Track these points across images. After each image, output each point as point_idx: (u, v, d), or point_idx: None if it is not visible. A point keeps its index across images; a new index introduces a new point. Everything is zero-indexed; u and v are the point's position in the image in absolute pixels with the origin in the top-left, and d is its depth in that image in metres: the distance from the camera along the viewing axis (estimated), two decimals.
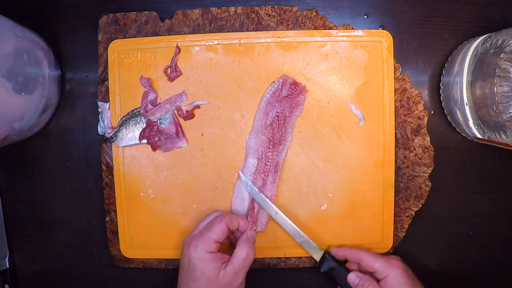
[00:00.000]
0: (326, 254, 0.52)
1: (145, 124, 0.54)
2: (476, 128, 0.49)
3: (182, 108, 0.54)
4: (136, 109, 0.54)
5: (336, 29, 0.54)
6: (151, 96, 0.54)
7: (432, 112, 0.56)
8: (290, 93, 0.53)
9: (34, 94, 0.50)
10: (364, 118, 0.54)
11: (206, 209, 0.55)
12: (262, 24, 0.54)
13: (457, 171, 0.56)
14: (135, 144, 0.54)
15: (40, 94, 0.51)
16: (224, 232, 0.48)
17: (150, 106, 0.54)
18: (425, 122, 0.54)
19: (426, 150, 0.54)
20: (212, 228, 0.47)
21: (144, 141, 0.54)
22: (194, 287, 0.46)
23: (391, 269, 0.47)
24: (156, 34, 0.54)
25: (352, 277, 0.49)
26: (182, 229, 0.55)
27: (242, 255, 0.47)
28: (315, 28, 0.54)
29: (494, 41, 0.44)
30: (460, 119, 0.51)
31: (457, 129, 0.54)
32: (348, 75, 0.54)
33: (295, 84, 0.53)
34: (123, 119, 0.54)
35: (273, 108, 0.53)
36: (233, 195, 0.54)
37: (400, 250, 0.55)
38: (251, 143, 0.54)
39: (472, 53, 0.48)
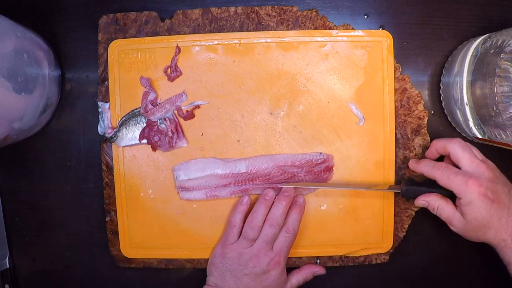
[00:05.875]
0: (405, 185, 0.50)
1: (145, 124, 0.54)
2: (476, 128, 0.49)
3: (182, 108, 0.54)
4: (136, 109, 0.54)
5: (336, 29, 0.54)
6: (151, 96, 0.54)
7: (432, 112, 0.56)
8: (320, 171, 0.53)
9: (34, 94, 0.50)
10: (364, 118, 0.54)
11: (206, 209, 0.55)
12: (262, 24, 0.54)
13: None
14: (135, 144, 0.54)
15: (40, 94, 0.51)
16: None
17: (150, 106, 0.54)
18: (425, 122, 0.54)
19: (426, 150, 0.54)
20: (289, 243, 0.51)
21: (144, 141, 0.54)
22: None
23: (466, 192, 0.44)
24: (156, 34, 0.54)
25: (420, 202, 0.48)
26: (182, 229, 0.55)
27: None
28: (315, 28, 0.54)
29: (494, 41, 0.44)
30: (460, 119, 0.51)
31: (457, 129, 0.54)
32: (348, 75, 0.54)
33: (329, 169, 0.54)
34: (123, 119, 0.54)
35: (295, 169, 0.53)
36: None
37: (400, 250, 0.55)
38: (257, 163, 0.54)
39: (472, 53, 0.48)
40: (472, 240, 0.46)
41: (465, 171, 0.45)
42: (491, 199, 0.43)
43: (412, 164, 0.50)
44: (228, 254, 0.50)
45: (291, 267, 0.56)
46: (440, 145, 0.49)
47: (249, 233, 0.50)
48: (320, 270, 0.54)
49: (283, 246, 0.50)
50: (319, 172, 0.53)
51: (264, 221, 0.51)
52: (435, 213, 0.48)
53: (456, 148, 0.46)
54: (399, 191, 0.50)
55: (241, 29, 0.54)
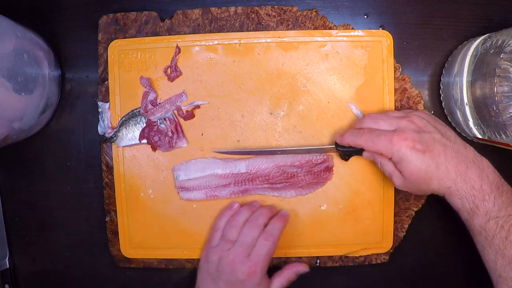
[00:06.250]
0: (337, 147, 0.50)
1: (145, 124, 0.54)
2: (476, 128, 0.49)
3: (182, 108, 0.54)
4: (136, 109, 0.54)
5: (336, 29, 0.54)
6: (151, 96, 0.54)
7: (432, 112, 0.56)
8: (320, 171, 0.53)
9: (34, 94, 0.50)
10: None
11: (206, 209, 0.55)
12: (262, 24, 0.54)
13: None
14: (135, 144, 0.54)
15: (40, 94, 0.51)
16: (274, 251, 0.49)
17: (150, 106, 0.54)
18: None
19: None
20: (267, 252, 0.48)
21: (144, 141, 0.54)
22: None
23: (393, 150, 0.42)
24: (156, 34, 0.54)
25: (365, 155, 0.48)
26: (182, 229, 0.55)
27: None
28: (315, 28, 0.54)
29: (494, 41, 0.44)
30: (460, 119, 0.51)
31: (457, 129, 0.54)
32: (348, 75, 0.54)
33: (329, 170, 0.53)
34: (123, 119, 0.54)
35: (295, 169, 0.53)
36: None
37: (400, 250, 0.55)
38: (256, 163, 0.54)
39: (472, 53, 0.48)
40: (422, 194, 0.45)
41: (388, 130, 0.44)
42: (421, 150, 0.41)
43: (338, 139, 0.49)
44: (209, 257, 0.49)
45: None
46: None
47: (227, 232, 0.50)
48: (302, 268, 0.51)
49: (260, 255, 0.48)
50: (319, 172, 0.53)
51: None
52: (380, 168, 0.47)
53: (369, 124, 0.46)
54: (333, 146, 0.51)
55: (241, 29, 0.54)
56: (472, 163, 0.41)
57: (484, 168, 0.42)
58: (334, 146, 0.51)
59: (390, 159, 0.44)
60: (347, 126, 0.54)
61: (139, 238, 0.56)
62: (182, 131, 0.54)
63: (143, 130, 0.54)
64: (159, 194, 0.55)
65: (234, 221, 0.50)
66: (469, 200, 0.41)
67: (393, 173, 0.44)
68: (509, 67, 0.41)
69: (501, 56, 0.41)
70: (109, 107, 0.55)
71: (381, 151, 0.44)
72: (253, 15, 0.54)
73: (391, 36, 0.53)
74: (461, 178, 0.41)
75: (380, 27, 0.55)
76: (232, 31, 0.54)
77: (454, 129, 0.55)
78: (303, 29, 0.54)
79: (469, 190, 0.41)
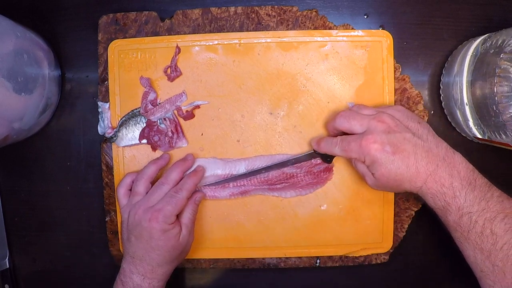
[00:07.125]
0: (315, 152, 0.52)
1: (145, 124, 0.54)
2: (476, 128, 0.50)
3: (182, 108, 0.54)
4: (136, 109, 0.54)
5: (336, 29, 0.54)
6: (151, 96, 0.54)
7: (432, 112, 0.56)
8: (320, 171, 0.53)
9: (34, 94, 0.50)
10: None
11: (206, 209, 0.55)
12: (262, 24, 0.54)
13: None
14: (135, 144, 0.54)
15: (40, 94, 0.51)
16: (184, 203, 0.49)
17: (150, 106, 0.54)
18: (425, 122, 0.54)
19: None
20: (175, 203, 0.47)
21: (144, 141, 0.54)
22: (157, 256, 0.47)
23: (364, 154, 0.43)
24: (156, 34, 0.54)
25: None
26: None
27: (192, 215, 0.50)
28: (315, 28, 0.54)
29: (494, 41, 0.44)
30: (460, 119, 0.51)
31: (457, 129, 0.54)
32: (348, 75, 0.54)
33: (329, 170, 0.54)
34: (123, 119, 0.54)
35: (294, 169, 0.53)
36: None
37: (400, 250, 0.55)
38: (256, 164, 0.54)
39: (472, 53, 0.48)
40: (396, 192, 0.46)
41: (359, 134, 0.44)
42: (390, 152, 0.41)
43: (314, 145, 0.51)
44: (122, 217, 0.50)
45: (291, 267, 0.56)
46: (331, 128, 0.49)
47: (134, 187, 0.50)
48: (198, 195, 0.52)
49: (165, 203, 0.47)
50: (319, 173, 0.53)
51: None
52: (354, 167, 0.47)
53: (342, 123, 0.46)
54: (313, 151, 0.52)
55: (241, 29, 0.54)
56: (442, 161, 0.41)
57: (455, 164, 0.41)
58: (313, 151, 0.52)
59: (364, 162, 0.44)
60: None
61: None
62: (182, 131, 0.54)
63: (143, 130, 0.54)
64: None
65: (140, 174, 0.51)
66: (440, 198, 0.41)
67: (366, 173, 0.45)
68: (509, 67, 0.41)
69: (501, 56, 0.42)
70: (109, 107, 0.55)
71: (353, 157, 0.45)
72: (253, 15, 0.54)
73: (391, 36, 0.53)
74: (431, 178, 0.41)
75: (380, 27, 0.55)
76: (232, 31, 0.54)
77: (454, 129, 0.55)
78: (303, 29, 0.54)
79: (439, 189, 0.41)
